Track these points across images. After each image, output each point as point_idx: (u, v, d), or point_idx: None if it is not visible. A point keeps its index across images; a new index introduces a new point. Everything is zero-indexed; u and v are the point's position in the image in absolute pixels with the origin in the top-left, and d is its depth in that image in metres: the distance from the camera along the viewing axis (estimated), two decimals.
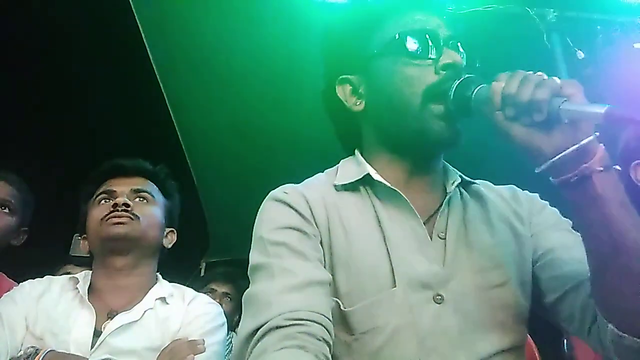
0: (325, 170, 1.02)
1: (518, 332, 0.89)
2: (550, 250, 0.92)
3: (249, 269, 0.88)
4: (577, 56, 2.59)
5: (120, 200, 1.40)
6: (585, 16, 2.70)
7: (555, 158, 0.73)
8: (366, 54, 0.95)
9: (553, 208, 0.99)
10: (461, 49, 0.94)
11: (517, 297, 0.89)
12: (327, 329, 0.78)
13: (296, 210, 0.90)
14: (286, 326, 0.75)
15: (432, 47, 0.90)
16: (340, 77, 0.99)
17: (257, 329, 0.76)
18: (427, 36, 0.91)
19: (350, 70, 0.98)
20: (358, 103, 0.97)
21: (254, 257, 0.88)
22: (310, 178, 1.01)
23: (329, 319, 0.79)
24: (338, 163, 1.04)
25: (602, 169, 0.73)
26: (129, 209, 1.39)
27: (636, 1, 2.67)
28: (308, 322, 0.76)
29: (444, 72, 0.88)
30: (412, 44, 0.90)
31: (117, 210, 1.38)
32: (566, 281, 0.87)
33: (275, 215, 0.90)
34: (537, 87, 0.73)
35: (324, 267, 0.87)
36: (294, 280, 0.81)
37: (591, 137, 0.73)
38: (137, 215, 1.40)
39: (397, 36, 0.91)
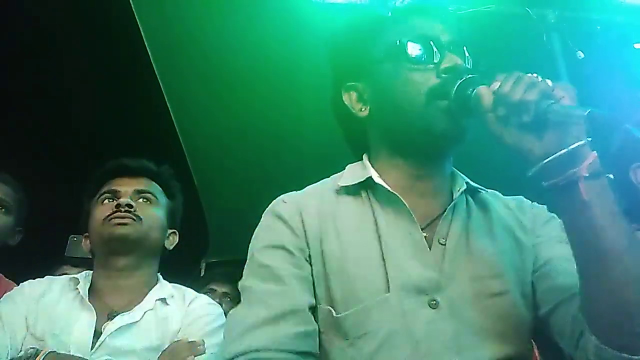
0: (332, 175, 1.04)
1: (520, 344, 0.88)
2: (548, 261, 0.91)
3: (239, 283, 0.94)
4: (577, 56, 2.59)
5: (123, 200, 1.40)
6: (585, 16, 2.70)
7: (545, 162, 0.74)
8: (370, 60, 0.97)
9: (559, 220, 0.98)
10: (467, 53, 0.95)
11: (517, 308, 0.89)
12: None
13: (287, 225, 0.93)
14: None
15: (434, 52, 0.91)
16: (346, 84, 1.01)
17: None
18: (429, 41, 0.92)
19: (356, 77, 1.00)
20: (363, 109, 0.99)
21: (245, 273, 0.94)
22: (316, 183, 1.02)
23: (296, 352, 0.83)
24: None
25: (588, 175, 0.73)
26: (131, 209, 1.39)
27: (636, 1, 2.67)
28: None
29: (445, 76, 0.89)
30: (413, 50, 0.92)
31: (120, 211, 1.38)
32: (560, 293, 0.86)
33: (266, 233, 0.95)
34: (528, 88, 0.74)
35: (314, 278, 0.90)
36: (267, 313, 0.85)
37: (581, 142, 0.73)
38: (139, 217, 1.40)
39: (398, 42, 0.93)
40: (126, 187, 1.46)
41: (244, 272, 0.94)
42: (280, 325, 0.84)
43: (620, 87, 2.61)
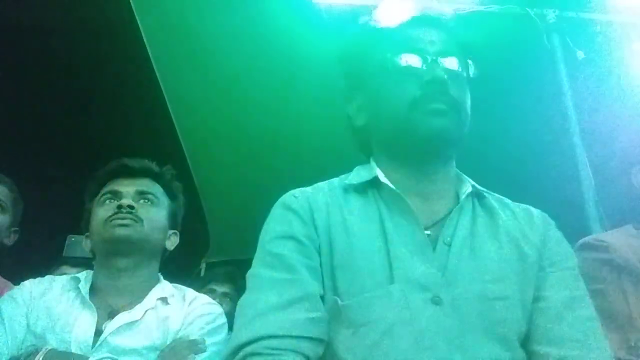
0: (340, 176, 1.08)
1: (519, 349, 0.89)
2: (550, 299, 0.92)
3: (248, 272, 0.95)
4: (577, 56, 2.59)
5: (125, 201, 1.40)
6: (585, 16, 2.71)
7: None
8: (366, 73, 1.04)
9: (567, 243, 1.00)
10: (469, 60, 1.00)
11: (516, 314, 0.90)
12: (302, 353, 0.84)
13: (298, 216, 0.96)
14: (264, 354, 0.82)
15: (419, 64, 0.97)
16: (349, 94, 1.08)
17: (240, 348, 0.83)
18: (416, 53, 0.98)
19: (356, 89, 1.07)
20: (361, 118, 1.06)
21: (255, 262, 0.95)
22: (324, 181, 1.06)
23: (307, 337, 0.85)
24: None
25: None
26: (133, 210, 1.39)
27: (636, 1, 2.67)
28: (283, 351, 0.82)
29: (428, 87, 0.95)
30: (399, 63, 0.98)
31: (122, 212, 1.38)
32: (540, 341, 0.89)
33: (277, 224, 0.97)
34: None
35: (322, 269, 0.92)
36: (278, 299, 0.87)
37: None
38: (140, 218, 1.40)
39: (387, 56, 0.99)
40: (128, 188, 1.45)
41: (253, 263, 0.95)
42: (292, 311, 0.86)
43: (619, 88, 2.61)
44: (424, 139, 0.95)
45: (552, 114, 2.66)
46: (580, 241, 1.27)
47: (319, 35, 2.41)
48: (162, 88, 2.98)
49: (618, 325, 1.14)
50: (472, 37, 1.06)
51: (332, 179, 1.06)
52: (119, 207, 1.39)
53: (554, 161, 2.86)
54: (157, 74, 2.90)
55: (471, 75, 1.01)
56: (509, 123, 3.06)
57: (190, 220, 1.66)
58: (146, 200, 1.46)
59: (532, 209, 1.04)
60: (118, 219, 1.38)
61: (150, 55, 2.79)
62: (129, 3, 2.51)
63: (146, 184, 1.49)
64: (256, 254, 0.96)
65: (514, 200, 1.07)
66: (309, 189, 1.02)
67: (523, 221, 1.00)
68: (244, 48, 2.78)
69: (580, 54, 2.59)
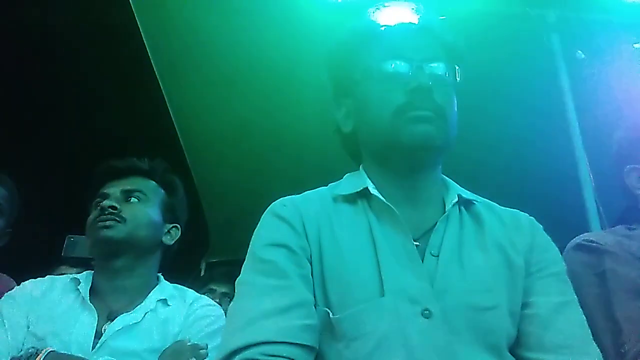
0: (330, 184, 1.07)
1: (511, 357, 0.89)
2: (537, 304, 0.92)
3: (237, 280, 0.93)
4: (577, 56, 2.59)
5: (106, 203, 1.40)
6: (585, 16, 2.71)
7: None
8: (353, 80, 1.03)
9: (555, 248, 1.00)
10: (441, 68, 0.99)
11: (506, 323, 0.90)
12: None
13: (290, 225, 0.95)
14: None
15: (405, 70, 0.97)
16: (338, 100, 1.07)
17: (233, 354, 0.82)
18: (400, 60, 0.98)
19: (344, 95, 1.06)
20: (348, 125, 1.05)
21: (244, 269, 0.94)
22: (313, 190, 1.05)
23: (302, 344, 0.83)
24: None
25: None
26: (115, 211, 1.39)
27: (636, 1, 2.67)
28: (279, 358, 0.81)
29: (412, 94, 0.95)
30: (385, 69, 0.98)
31: (104, 214, 1.39)
32: (531, 348, 0.89)
33: (268, 232, 0.96)
34: None
35: (313, 280, 0.91)
36: (274, 305, 0.85)
37: None
38: (124, 217, 1.40)
39: (373, 62, 0.99)
40: (114, 189, 1.46)
41: (242, 270, 0.94)
42: (288, 317, 0.84)
43: (620, 88, 2.62)
44: (409, 146, 0.94)
45: (552, 114, 2.66)
46: (572, 242, 1.27)
47: (320, 34, 2.41)
48: (162, 88, 2.98)
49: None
50: (459, 40, 1.05)
51: (321, 188, 1.06)
52: (102, 209, 1.40)
53: (554, 161, 2.86)
54: (157, 74, 2.90)
55: (458, 80, 1.00)
56: (508, 123, 3.06)
57: (190, 220, 1.65)
58: (135, 198, 1.45)
59: (520, 213, 1.04)
60: (100, 221, 1.39)
61: (150, 56, 2.79)
62: (129, 3, 2.51)
63: (132, 183, 1.48)
64: (245, 262, 0.94)
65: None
66: (298, 197, 1.01)
67: (510, 227, 1.00)
68: (244, 47, 2.78)
69: (580, 54, 2.59)
